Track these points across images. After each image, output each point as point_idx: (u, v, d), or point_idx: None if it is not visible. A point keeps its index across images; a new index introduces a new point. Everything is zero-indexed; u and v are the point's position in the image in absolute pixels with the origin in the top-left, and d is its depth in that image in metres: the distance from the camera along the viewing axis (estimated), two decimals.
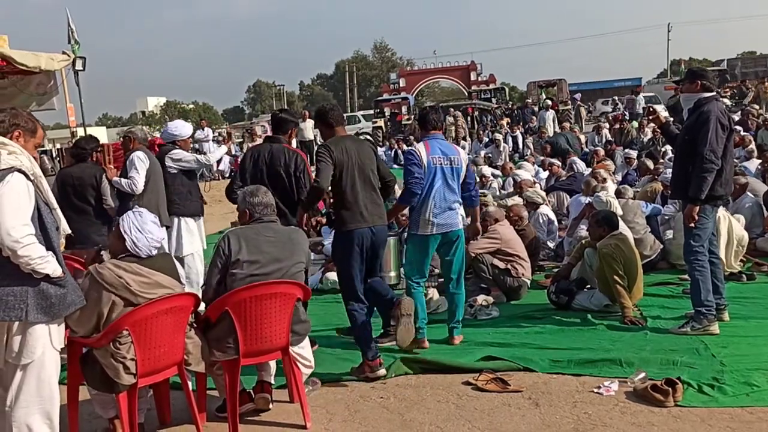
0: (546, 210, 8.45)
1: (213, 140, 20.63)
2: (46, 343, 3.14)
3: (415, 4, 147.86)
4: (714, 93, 5.11)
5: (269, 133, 5.84)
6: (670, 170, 6.23)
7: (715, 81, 5.65)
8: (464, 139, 22.05)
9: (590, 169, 10.79)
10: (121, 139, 6.84)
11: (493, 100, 33.28)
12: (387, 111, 31.50)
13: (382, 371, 4.55)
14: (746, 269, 6.80)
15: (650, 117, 5.82)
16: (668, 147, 11.50)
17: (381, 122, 30.22)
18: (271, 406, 4.14)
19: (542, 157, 14.20)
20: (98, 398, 3.70)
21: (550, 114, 21.81)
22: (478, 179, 11.35)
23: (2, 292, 3.02)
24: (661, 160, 11.11)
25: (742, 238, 6.75)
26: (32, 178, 3.12)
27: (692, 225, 4.95)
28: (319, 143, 23.93)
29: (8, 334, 3.08)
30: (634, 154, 12.66)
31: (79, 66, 11.22)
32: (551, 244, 8.14)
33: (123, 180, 6.16)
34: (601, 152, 13.74)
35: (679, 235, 6.92)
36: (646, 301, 5.91)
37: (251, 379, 4.19)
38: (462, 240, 5.23)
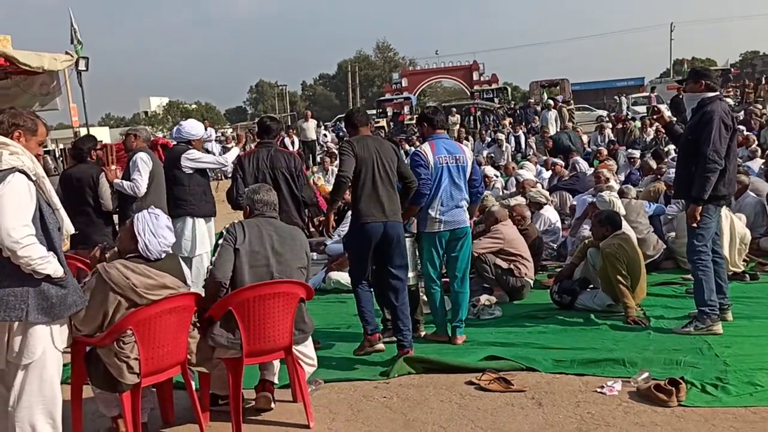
0: (549, 210, 8.44)
1: (216, 140, 20.66)
2: (47, 344, 3.15)
3: (418, 4, 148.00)
4: (717, 93, 5.11)
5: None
6: (674, 170, 6.23)
7: (719, 81, 5.65)
8: (466, 139, 22.01)
9: (593, 169, 10.79)
10: (124, 137, 6.84)
11: (496, 99, 33.27)
12: (389, 111, 31.51)
13: (380, 345, 4.83)
14: (749, 269, 6.78)
15: (655, 116, 5.81)
16: (671, 147, 11.49)
17: (383, 122, 30.23)
18: (273, 405, 4.15)
19: (545, 157, 14.19)
20: (102, 397, 3.71)
21: (552, 114, 21.79)
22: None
23: (3, 293, 3.02)
24: (665, 160, 11.09)
25: (744, 236, 6.74)
26: (34, 178, 3.12)
27: (695, 225, 4.95)
28: (320, 143, 23.90)
29: (9, 334, 3.08)
30: (637, 153, 12.64)
31: (82, 66, 11.25)
32: (554, 245, 8.13)
33: (125, 182, 6.14)
34: (604, 152, 13.73)
35: (681, 235, 6.94)
36: (650, 300, 5.91)
37: (253, 379, 4.20)
38: (469, 237, 5.32)
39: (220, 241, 3.95)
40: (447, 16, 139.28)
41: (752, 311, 5.50)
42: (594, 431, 3.67)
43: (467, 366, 4.60)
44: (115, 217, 6.53)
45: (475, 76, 43.57)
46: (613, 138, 17.48)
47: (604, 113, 30.23)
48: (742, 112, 17.02)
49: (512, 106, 32.52)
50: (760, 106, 19.36)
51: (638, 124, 18.33)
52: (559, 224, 8.43)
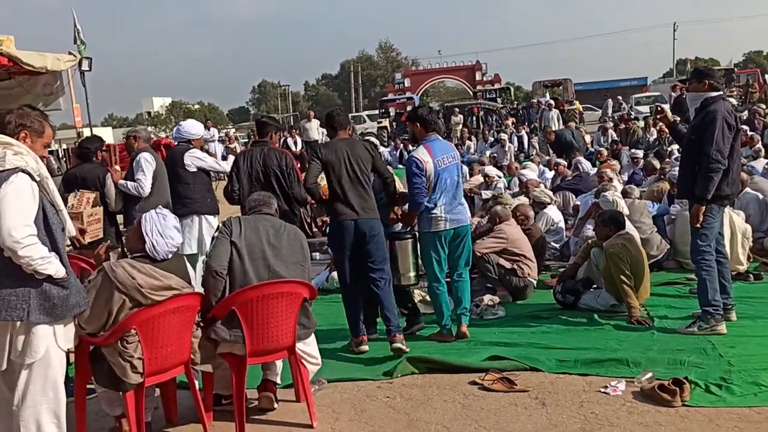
0: (553, 210, 8.43)
1: (219, 140, 20.68)
2: (50, 343, 3.15)
3: (420, 4, 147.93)
4: (721, 92, 5.09)
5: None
6: (678, 168, 6.21)
7: (722, 81, 5.63)
8: (469, 139, 22.01)
9: (596, 169, 10.78)
10: (125, 138, 6.87)
11: (498, 99, 33.24)
12: (392, 111, 31.49)
13: (365, 347, 5.06)
14: (753, 269, 6.77)
15: (659, 116, 5.81)
16: (675, 146, 11.47)
17: (386, 122, 30.22)
18: (276, 405, 4.15)
19: (548, 157, 14.18)
20: (105, 396, 3.72)
21: (555, 113, 21.79)
22: (482, 179, 11.38)
23: (5, 293, 3.02)
24: (667, 160, 11.07)
25: (745, 230, 6.74)
26: (37, 178, 3.11)
27: (698, 225, 4.93)
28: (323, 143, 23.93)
29: (12, 334, 3.08)
30: (640, 153, 12.62)
31: (85, 66, 11.25)
32: (557, 244, 8.12)
33: (129, 183, 6.16)
34: (605, 152, 13.73)
35: (681, 234, 6.94)
36: (653, 300, 5.90)
37: (256, 379, 4.20)
38: (469, 235, 5.41)
39: (216, 234, 4.03)
40: (450, 16, 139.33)
41: (756, 311, 5.48)
42: (598, 431, 3.67)
43: (470, 366, 4.59)
44: (119, 217, 6.55)
45: (478, 76, 43.54)
46: (616, 138, 17.46)
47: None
48: (746, 112, 16.99)
49: (515, 105, 32.50)
50: (764, 106, 19.28)
51: (641, 124, 18.29)
52: (562, 224, 8.42)
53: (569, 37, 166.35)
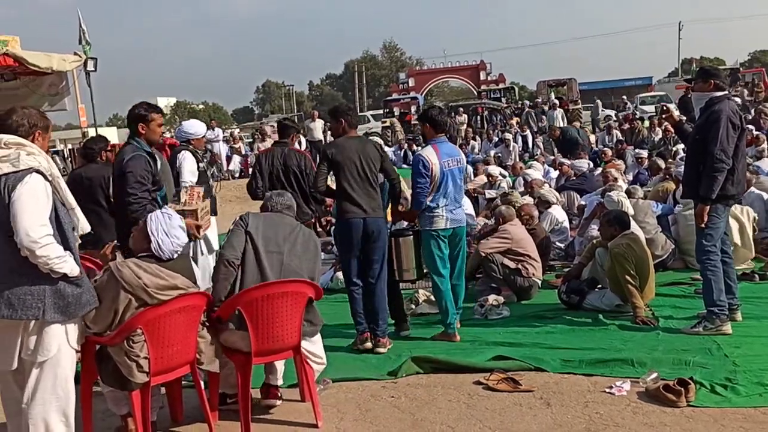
0: (557, 209, 8.42)
1: (223, 140, 20.69)
2: (62, 342, 3.18)
3: (424, 4, 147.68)
4: (726, 92, 5.09)
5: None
6: (683, 167, 6.21)
7: (727, 80, 5.63)
8: (474, 139, 22.00)
9: (600, 169, 10.76)
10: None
11: (503, 99, 33.16)
12: (396, 111, 31.44)
13: (368, 344, 5.14)
14: (759, 269, 6.76)
15: (664, 116, 5.80)
16: (680, 146, 11.44)
17: (390, 122, 30.15)
18: (279, 402, 4.18)
19: (552, 157, 14.16)
20: (111, 395, 3.73)
21: (559, 113, 21.76)
22: (486, 179, 11.38)
23: (20, 291, 3.05)
24: (671, 160, 11.05)
25: (752, 219, 6.87)
26: (50, 178, 3.15)
27: (703, 225, 4.93)
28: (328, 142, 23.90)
29: (24, 333, 3.11)
30: (645, 153, 12.61)
31: (90, 67, 11.30)
32: (561, 244, 8.12)
33: None
34: (609, 152, 13.72)
35: (683, 234, 6.93)
36: (658, 301, 5.90)
37: (259, 378, 4.21)
38: (464, 236, 5.53)
39: (231, 227, 4.07)
40: (454, 15, 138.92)
41: (762, 311, 5.47)
42: (602, 431, 3.67)
43: (475, 366, 4.60)
44: None
45: (482, 76, 43.40)
46: (621, 138, 17.43)
47: (612, 113, 30.09)
48: (752, 111, 16.94)
49: (519, 105, 32.41)
50: None
51: (646, 123, 18.25)
52: (566, 224, 8.40)
53: (569, 36, 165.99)
